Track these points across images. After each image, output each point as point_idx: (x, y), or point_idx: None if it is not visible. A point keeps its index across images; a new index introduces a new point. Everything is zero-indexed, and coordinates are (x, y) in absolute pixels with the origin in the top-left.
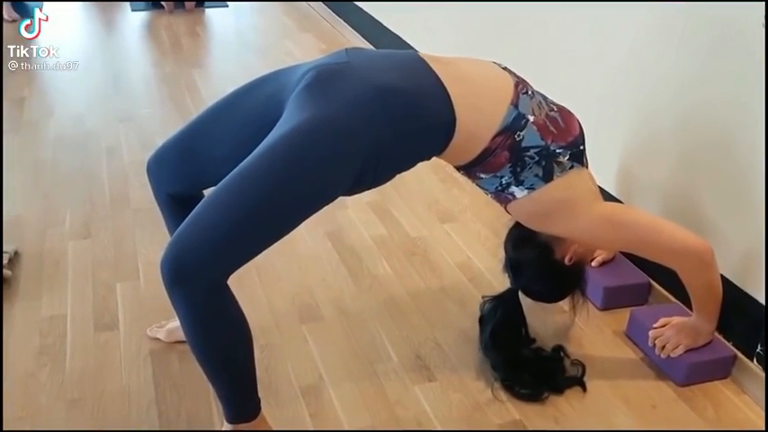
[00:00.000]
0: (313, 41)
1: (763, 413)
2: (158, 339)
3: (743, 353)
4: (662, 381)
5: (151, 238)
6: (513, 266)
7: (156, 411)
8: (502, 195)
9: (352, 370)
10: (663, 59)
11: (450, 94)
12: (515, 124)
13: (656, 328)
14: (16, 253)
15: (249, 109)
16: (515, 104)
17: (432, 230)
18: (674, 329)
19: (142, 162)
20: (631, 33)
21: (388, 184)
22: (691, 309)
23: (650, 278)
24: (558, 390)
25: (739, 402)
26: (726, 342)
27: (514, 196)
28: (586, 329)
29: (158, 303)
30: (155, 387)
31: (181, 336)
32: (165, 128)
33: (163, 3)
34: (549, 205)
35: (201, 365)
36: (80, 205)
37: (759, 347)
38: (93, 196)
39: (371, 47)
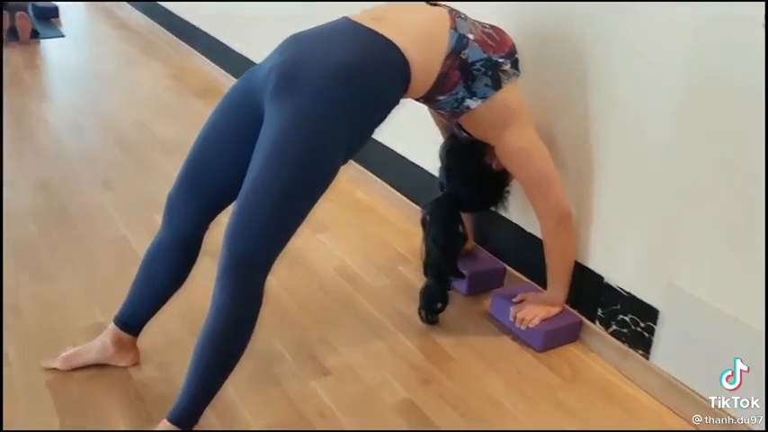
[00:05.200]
0: (159, 67)
1: (609, 367)
2: (54, 369)
3: (587, 317)
4: (524, 349)
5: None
6: (448, 171)
7: None
8: (458, 111)
9: (251, 376)
10: None
11: (396, 42)
12: (459, 45)
13: (515, 303)
14: None
15: (232, 123)
16: (455, 28)
17: (307, 241)
18: (531, 304)
19: None
20: None
21: None
22: (542, 286)
23: (505, 264)
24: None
25: (588, 360)
26: (572, 310)
27: (469, 108)
28: (455, 313)
29: (45, 337)
30: (57, 415)
31: (77, 362)
32: (12, 163)
33: None
34: (501, 111)
35: (204, 358)
36: None
37: (599, 311)
38: None
39: (220, 69)
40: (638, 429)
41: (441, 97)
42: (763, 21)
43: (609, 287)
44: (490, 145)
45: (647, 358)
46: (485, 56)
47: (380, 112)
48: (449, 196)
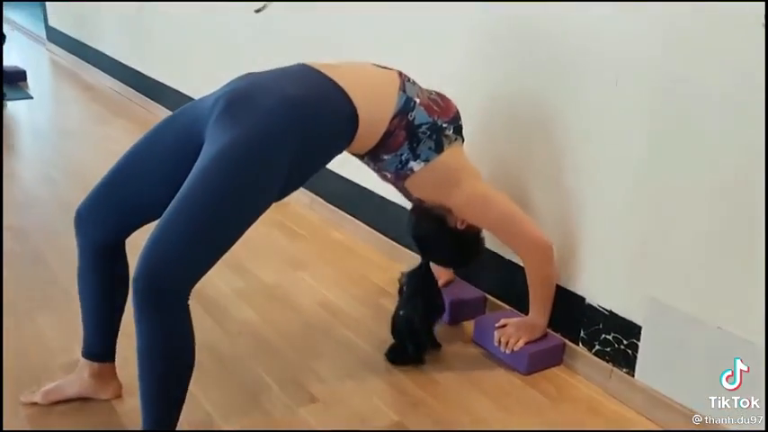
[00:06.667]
0: (128, 124)
1: (594, 387)
2: (34, 404)
3: (570, 339)
4: (510, 372)
5: None
6: (418, 243)
7: None
8: (401, 173)
9: (238, 404)
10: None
11: (347, 90)
12: (407, 106)
13: (498, 327)
14: None
15: (168, 144)
16: (403, 90)
17: (287, 277)
18: (514, 327)
19: None
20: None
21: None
22: (523, 312)
23: (485, 292)
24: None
25: (573, 380)
26: (554, 333)
27: (413, 170)
28: (439, 340)
29: (23, 374)
30: None
31: (59, 396)
32: None
33: None
34: (443, 173)
35: (150, 384)
36: None
37: (582, 332)
38: None
39: None
40: (636, 429)
41: (385, 156)
42: (764, 21)
43: (590, 307)
44: (447, 208)
45: (632, 375)
46: (430, 120)
47: (323, 152)
48: (424, 267)
